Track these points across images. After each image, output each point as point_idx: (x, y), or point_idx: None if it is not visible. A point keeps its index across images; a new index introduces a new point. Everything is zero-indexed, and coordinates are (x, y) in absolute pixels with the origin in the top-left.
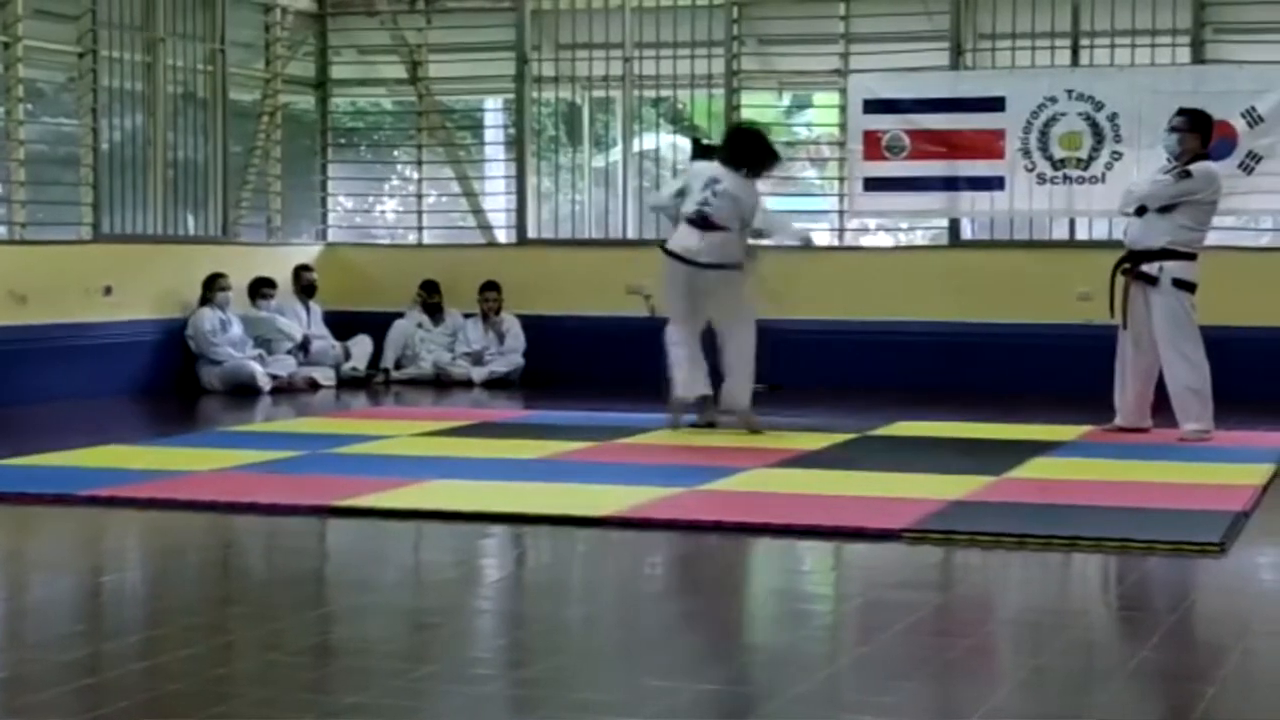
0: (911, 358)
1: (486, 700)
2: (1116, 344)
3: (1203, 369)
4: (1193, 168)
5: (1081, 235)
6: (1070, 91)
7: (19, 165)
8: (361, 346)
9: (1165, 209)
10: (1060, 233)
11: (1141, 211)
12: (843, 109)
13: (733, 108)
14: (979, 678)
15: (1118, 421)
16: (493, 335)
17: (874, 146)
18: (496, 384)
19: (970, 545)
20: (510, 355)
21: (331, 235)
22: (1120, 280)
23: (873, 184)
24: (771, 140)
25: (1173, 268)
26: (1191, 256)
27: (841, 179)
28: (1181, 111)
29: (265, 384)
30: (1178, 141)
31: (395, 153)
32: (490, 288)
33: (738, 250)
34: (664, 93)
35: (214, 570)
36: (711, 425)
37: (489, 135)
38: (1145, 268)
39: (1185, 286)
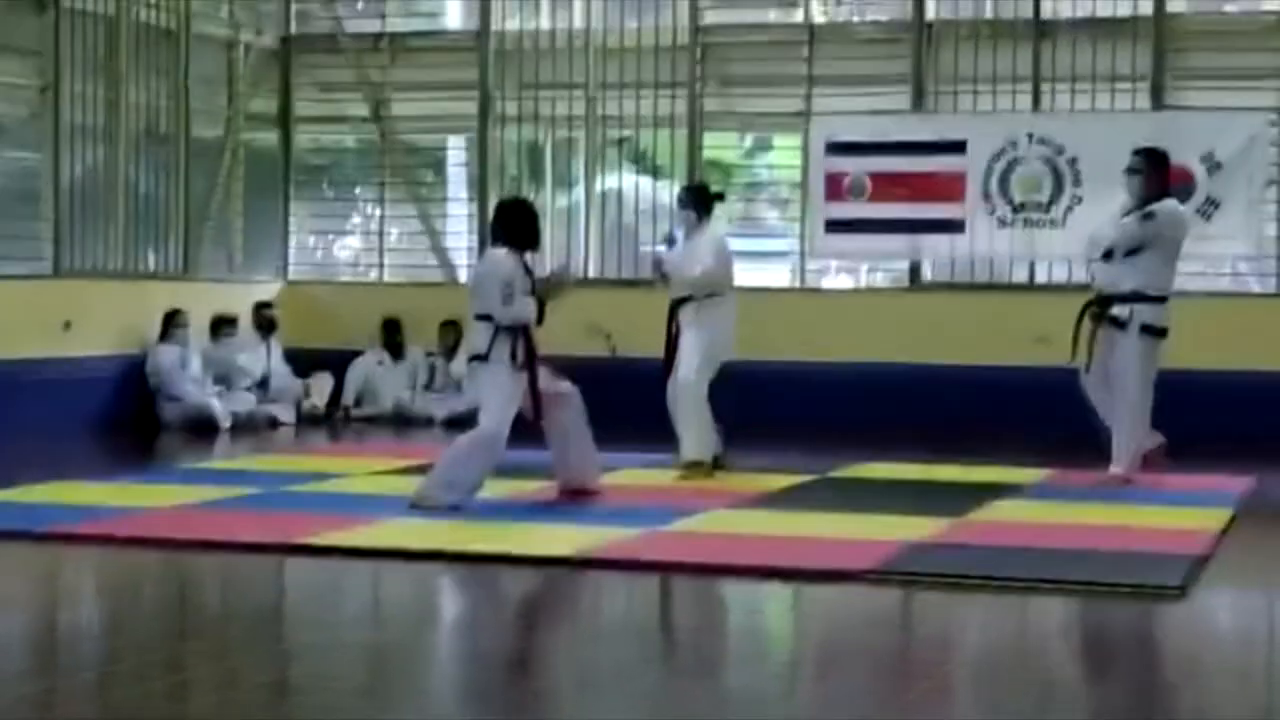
0: (872, 399)
1: None
2: (1086, 390)
3: (1145, 421)
4: (1156, 209)
5: (1041, 278)
6: (1031, 135)
7: None
8: (322, 383)
9: (1132, 252)
10: (1020, 276)
11: (1109, 255)
12: (804, 150)
13: (695, 148)
14: (938, 719)
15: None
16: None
17: (835, 188)
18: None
19: (931, 587)
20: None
21: (293, 272)
22: (1087, 324)
23: (834, 225)
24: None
25: (1142, 311)
26: (1162, 299)
27: (802, 220)
28: (1137, 152)
29: (225, 421)
30: (1139, 184)
31: (357, 190)
32: (450, 324)
33: None
34: (627, 133)
35: (171, 607)
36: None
37: (451, 174)
38: (1115, 311)
39: (1154, 332)
